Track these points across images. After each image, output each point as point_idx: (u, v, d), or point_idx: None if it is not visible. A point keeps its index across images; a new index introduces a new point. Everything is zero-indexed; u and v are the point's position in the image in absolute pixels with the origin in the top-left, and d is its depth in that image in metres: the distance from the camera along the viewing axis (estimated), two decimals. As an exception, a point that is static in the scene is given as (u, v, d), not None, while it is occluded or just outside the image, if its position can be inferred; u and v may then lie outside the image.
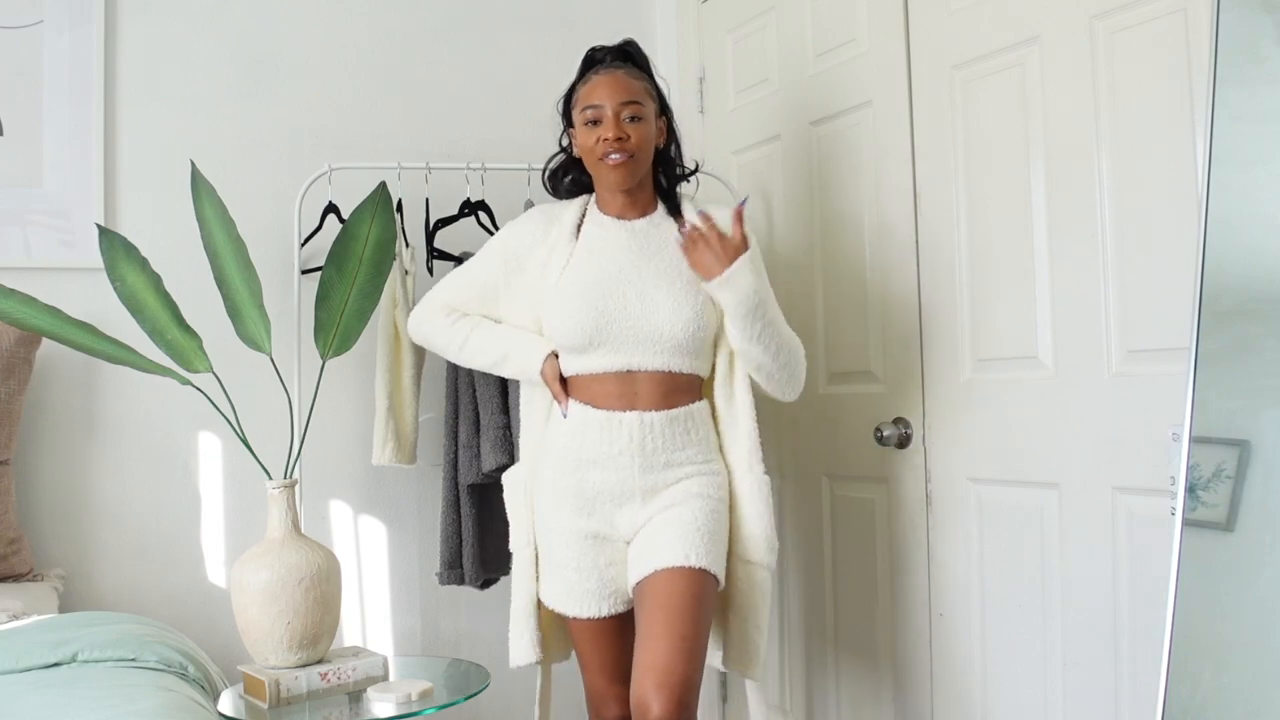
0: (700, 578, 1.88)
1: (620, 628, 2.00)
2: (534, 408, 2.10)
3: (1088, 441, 1.94)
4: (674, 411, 1.98)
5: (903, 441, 2.31)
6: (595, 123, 1.99)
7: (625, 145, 1.98)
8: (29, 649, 1.80)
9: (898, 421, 2.32)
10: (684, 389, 2.00)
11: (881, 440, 2.32)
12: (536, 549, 2.06)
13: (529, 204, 2.50)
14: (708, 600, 1.90)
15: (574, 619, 1.99)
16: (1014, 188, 2.07)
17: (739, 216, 1.95)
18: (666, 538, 1.91)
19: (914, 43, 2.28)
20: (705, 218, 1.95)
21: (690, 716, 1.79)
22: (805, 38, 2.59)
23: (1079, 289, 1.95)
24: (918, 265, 2.28)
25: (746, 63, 2.81)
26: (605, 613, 1.97)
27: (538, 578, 2.06)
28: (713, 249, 1.92)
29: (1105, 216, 1.90)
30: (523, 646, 2.05)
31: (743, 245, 1.93)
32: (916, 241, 2.29)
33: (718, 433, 2.06)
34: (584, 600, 1.97)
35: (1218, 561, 1.53)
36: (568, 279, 2.01)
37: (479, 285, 2.13)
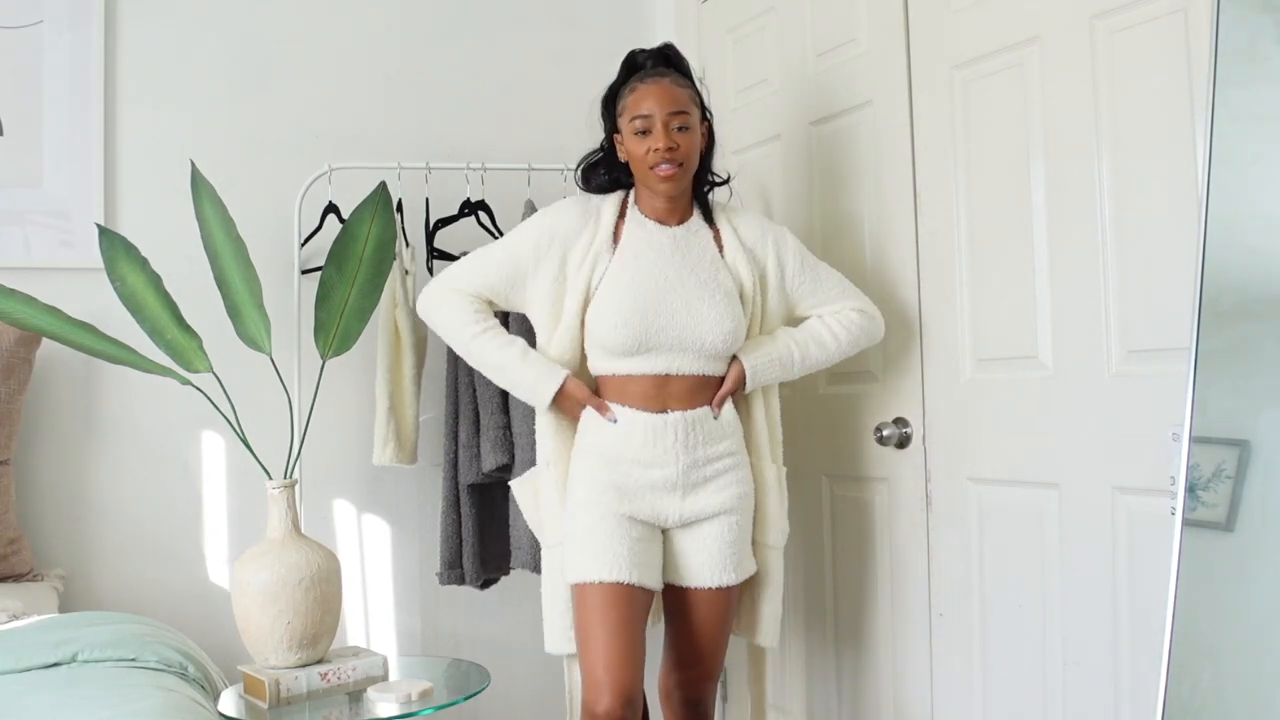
0: (732, 592, 2.09)
1: (633, 603, 1.96)
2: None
3: (1088, 441, 1.94)
4: (702, 409, 2.06)
5: (903, 441, 2.31)
6: (645, 132, 2.02)
7: (675, 155, 2.02)
8: (29, 649, 1.80)
9: (898, 421, 2.32)
10: (709, 387, 2.08)
11: (881, 440, 2.32)
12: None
13: (529, 204, 2.50)
14: (734, 605, 2.12)
15: (597, 584, 1.94)
16: (1014, 188, 2.07)
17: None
18: (719, 553, 2.05)
19: (914, 43, 2.28)
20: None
21: (713, 694, 2.17)
22: (805, 38, 2.59)
23: (1079, 289, 1.95)
24: (918, 265, 2.28)
25: (746, 63, 2.81)
26: (626, 579, 1.94)
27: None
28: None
29: (1105, 216, 1.90)
30: (556, 636, 2.08)
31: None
32: (916, 241, 2.29)
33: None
34: (615, 563, 1.95)
35: (1218, 561, 1.53)
36: (614, 282, 2.03)
37: (508, 264, 2.09)
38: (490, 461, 2.44)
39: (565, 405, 2.08)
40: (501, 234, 2.66)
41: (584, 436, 2.07)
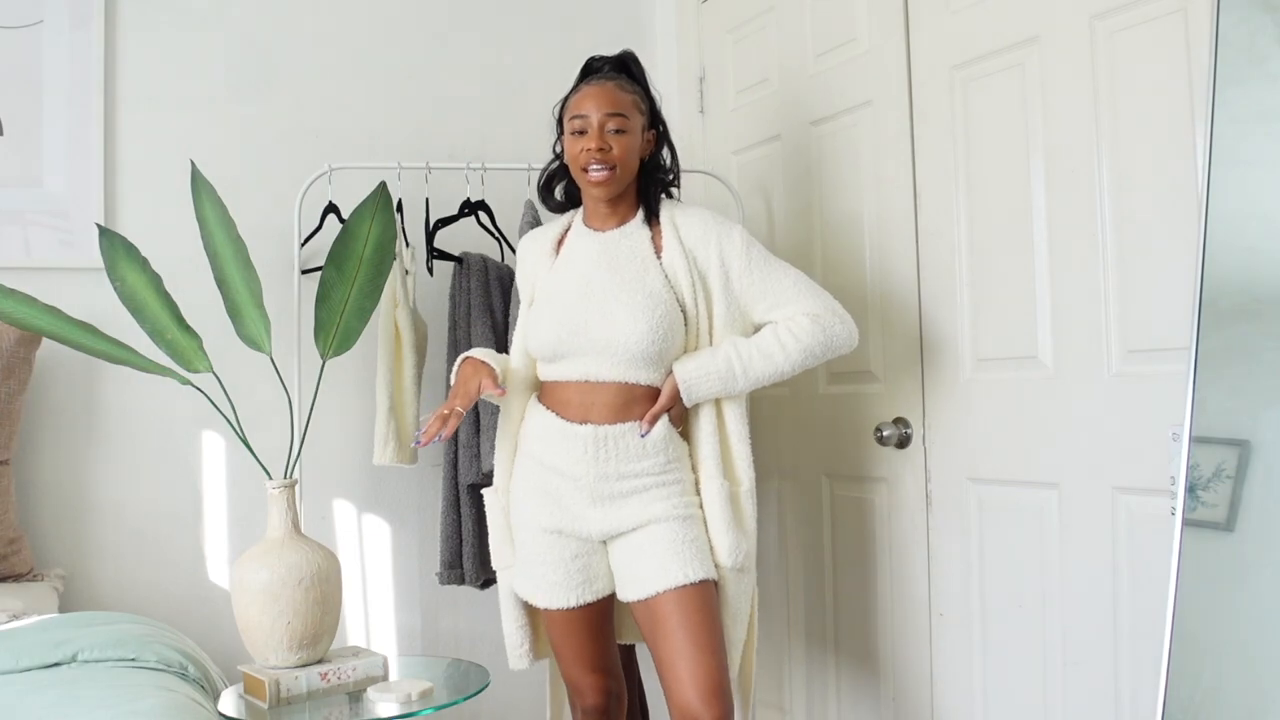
0: (704, 589, 1.94)
1: (591, 618, 2.03)
2: (508, 418, 2.12)
3: (1088, 441, 1.94)
4: (628, 425, 1.99)
5: (903, 441, 2.31)
6: (581, 133, 2.02)
7: (607, 157, 2.00)
8: (29, 649, 1.80)
9: (898, 421, 2.32)
10: (642, 400, 2.01)
11: (881, 440, 2.32)
12: (513, 553, 2.11)
13: (529, 204, 2.51)
14: (716, 604, 1.96)
15: (545, 610, 2.03)
16: (1014, 188, 2.07)
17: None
18: (658, 557, 1.94)
19: (914, 43, 2.28)
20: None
21: (733, 711, 1.91)
22: (805, 38, 2.59)
23: (1079, 289, 1.95)
24: (918, 265, 2.28)
25: (746, 63, 2.81)
26: (574, 603, 2.00)
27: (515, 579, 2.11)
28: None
29: (1105, 216, 1.90)
30: (512, 655, 2.14)
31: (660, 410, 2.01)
32: (916, 241, 2.29)
33: (688, 440, 2.08)
34: (552, 592, 2.00)
35: (1218, 561, 1.53)
36: (543, 290, 2.08)
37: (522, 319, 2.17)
38: (490, 461, 2.44)
39: (468, 379, 2.03)
40: (502, 234, 2.68)
41: (521, 442, 2.09)
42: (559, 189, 2.19)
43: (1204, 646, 1.52)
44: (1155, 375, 1.81)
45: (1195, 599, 1.51)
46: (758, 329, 2.07)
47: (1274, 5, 1.53)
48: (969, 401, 2.18)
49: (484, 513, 2.53)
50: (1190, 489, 1.53)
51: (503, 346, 2.47)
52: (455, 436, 2.53)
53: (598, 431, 1.97)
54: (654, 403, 2.01)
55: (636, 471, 1.98)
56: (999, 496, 2.12)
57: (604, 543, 2.02)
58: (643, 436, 1.98)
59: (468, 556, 2.52)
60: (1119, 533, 1.89)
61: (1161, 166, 1.81)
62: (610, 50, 2.16)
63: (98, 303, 2.32)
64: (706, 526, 2.00)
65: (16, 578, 2.37)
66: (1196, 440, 1.52)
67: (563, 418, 2.01)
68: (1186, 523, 1.53)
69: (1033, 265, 2.03)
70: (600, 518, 1.98)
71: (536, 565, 2.02)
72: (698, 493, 2.02)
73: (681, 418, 2.06)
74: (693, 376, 1.99)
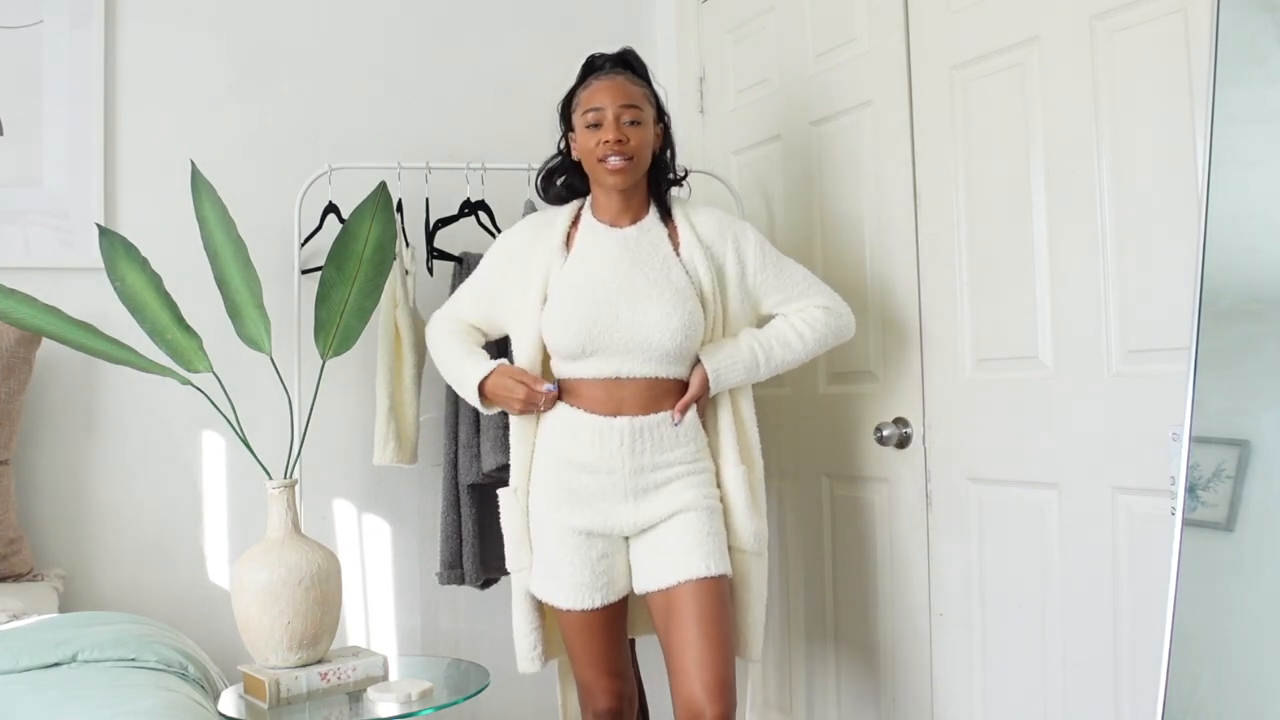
0: (721, 583, 1.99)
1: (609, 620, 2.04)
2: (523, 416, 2.11)
3: (1088, 441, 1.94)
4: (660, 415, 2.01)
5: (903, 441, 2.31)
6: (596, 125, 2.04)
7: (625, 148, 2.02)
8: (29, 649, 1.80)
9: (898, 421, 2.32)
10: (669, 393, 2.04)
11: (881, 440, 2.32)
12: (530, 555, 2.10)
13: (529, 204, 2.51)
14: (729, 600, 2.02)
15: (566, 611, 2.02)
16: (1014, 188, 2.07)
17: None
18: (682, 548, 1.97)
19: (914, 43, 2.28)
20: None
21: (735, 708, 1.95)
22: (805, 38, 2.59)
23: (1079, 289, 1.95)
24: (918, 265, 2.28)
25: (746, 63, 2.81)
26: (597, 604, 2.01)
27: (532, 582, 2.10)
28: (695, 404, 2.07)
29: (1105, 216, 1.90)
30: (524, 657, 2.13)
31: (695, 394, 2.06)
32: (916, 241, 2.29)
33: (706, 430, 2.11)
34: (577, 593, 2.00)
35: (1218, 561, 1.53)
36: (561, 286, 2.05)
37: (480, 291, 2.20)
38: (490, 461, 2.44)
39: (500, 395, 2.05)
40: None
41: (541, 441, 2.08)
42: (560, 181, 2.19)
43: (1204, 646, 1.52)
44: (1155, 375, 1.81)
45: (1195, 599, 1.51)
46: (763, 320, 2.15)
47: (1274, 5, 1.53)
48: (969, 401, 2.18)
49: (484, 513, 2.53)
50: (1190, 489, 1.53)
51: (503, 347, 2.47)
52: (455, 436, 2.53)
53: (633, 423, 1.99)
54: (679, 395, 2.04)
55: (670, 461, 2.01)
56: (999, 496, 2.12)
57: (626, 539, 2.04)
58: (675, 425, 2.02)
59: (468, 556, 2.52)
60: (1119, 533, 1.89)
61: (1161, 166, 1.81)
62: (610, 50, 2.16)
63: (98, 303, 2.32)
64: (729, 513, 2.06)
65: (16, 578, 2.37)
66: (1196, 440, 1.52)
67: (593, 413, 2.01)
68: (1186, 523, 1.53)
69: (1033, 265, 2.03)
70: (633, 511, 2.00)
71: (562, 565, 2.01)
72: (718, 484, 2.07)
73: (703, 408, 2.10)
74: (722, 367, 2.05)
